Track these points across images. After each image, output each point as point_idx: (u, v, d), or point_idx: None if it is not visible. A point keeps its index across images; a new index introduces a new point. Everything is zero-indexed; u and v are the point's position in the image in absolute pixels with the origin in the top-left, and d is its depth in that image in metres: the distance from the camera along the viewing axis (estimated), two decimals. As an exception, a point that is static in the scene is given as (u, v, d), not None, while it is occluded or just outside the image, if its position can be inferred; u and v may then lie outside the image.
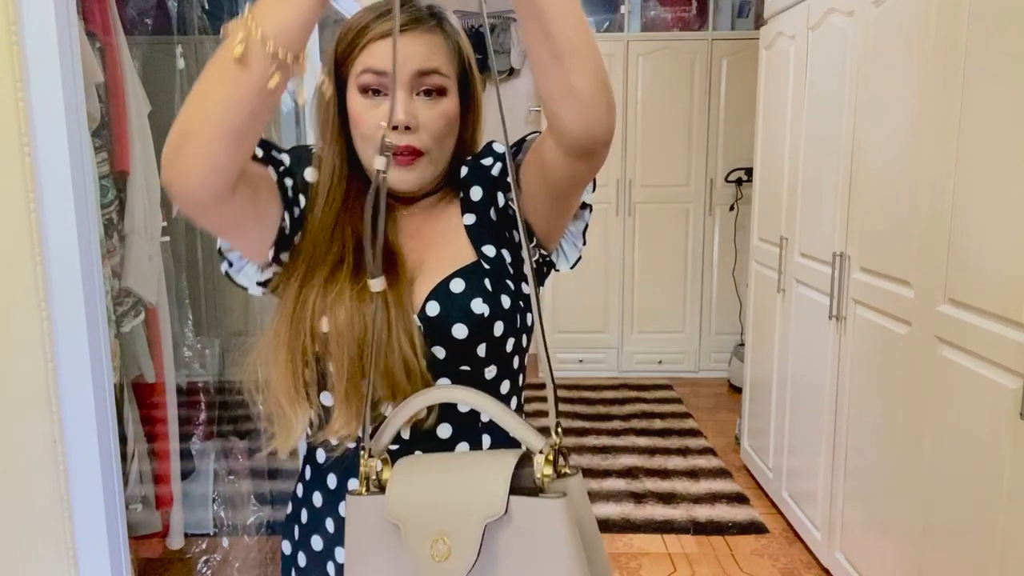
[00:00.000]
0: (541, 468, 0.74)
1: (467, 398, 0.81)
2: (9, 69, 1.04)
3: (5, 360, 1.10)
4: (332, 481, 0.96)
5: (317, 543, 0.98)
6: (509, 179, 0.87)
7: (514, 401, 0.98)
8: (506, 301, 0.91)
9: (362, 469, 0.81)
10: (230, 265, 0.94)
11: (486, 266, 0.91)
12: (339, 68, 0.90)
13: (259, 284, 0.94)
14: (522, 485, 0.74)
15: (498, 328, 0.89)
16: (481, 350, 0.89)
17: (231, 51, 0.69)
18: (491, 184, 0.94)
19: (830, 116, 2.45)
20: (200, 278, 2.13)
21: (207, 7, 2.02)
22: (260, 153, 0.91)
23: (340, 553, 0.95)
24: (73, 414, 1.12)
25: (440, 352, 0.88)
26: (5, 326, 1.09)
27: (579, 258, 0.97)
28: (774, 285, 2.94)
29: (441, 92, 0.89)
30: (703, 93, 4.44)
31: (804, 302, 2.67)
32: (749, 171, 4.07)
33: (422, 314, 0.89)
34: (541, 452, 0.75)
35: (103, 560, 1.16)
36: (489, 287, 0.90)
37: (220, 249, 0.94)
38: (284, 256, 0.92)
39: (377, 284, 0.75)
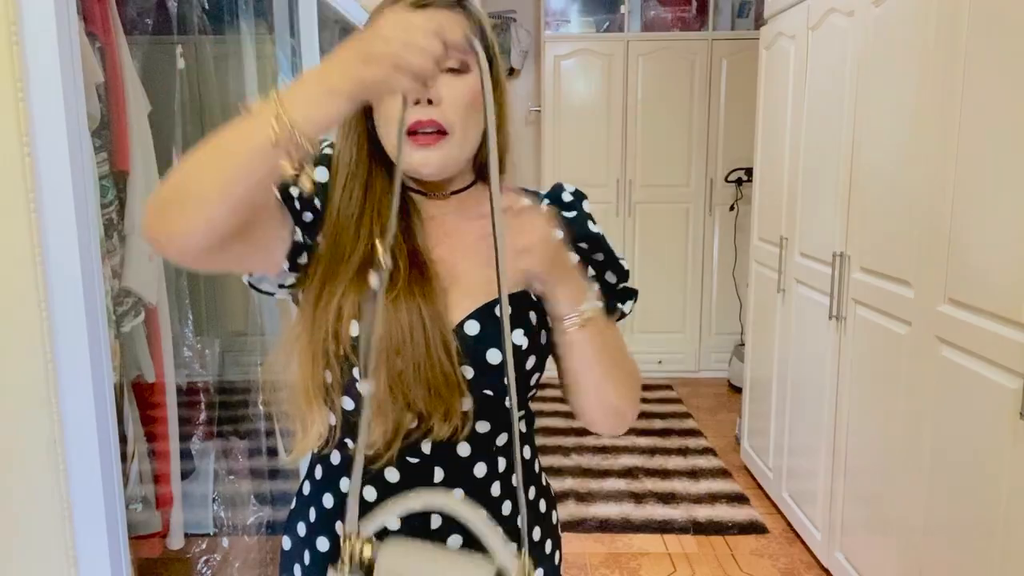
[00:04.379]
0: None
1: (459, 510, 0.85)
2: (9, 69, 1.04)
3: (5, 360, 1.10)
4: (345, 484, 0.94)
5: (323, 544, 0.97)
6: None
7: (525, 425, 0.98)
8: (543, 337, 0.92)
9: (346, 550, 0.81)
10: (250, 274, 0.93)
11: (533, 298, 0.90)
12: None
13: (282, 287, 0.93)
14: None
15: (530, 362, 0.90)
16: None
17: (256, 131, 0.70)
18: (585, 248, 0.95)
19: (830, 116, 2.45)
20: (200, 278, 2.13)
21: (207, 7, 2.02)
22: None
23: None
24: (73, 414, 1.12)
25: (469, 372, 0.87)
26: (5, 326, 1.09)
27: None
28: (774, 285, 2.94)
29: (464, 69, 0.85)
30: (703, 93, 4.44)
31: (804, 302, 2.67)
32: (749, 171, 4.07)
33: (459, 330, 0.88)
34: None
35: (103, 560, 1.16)
36: (533, 320, 0.90)
37: None
38: (303, 258, 0.91)
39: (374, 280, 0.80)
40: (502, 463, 0.93)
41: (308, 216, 0.90)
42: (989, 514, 1.63)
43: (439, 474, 0.91)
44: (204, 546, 2.12)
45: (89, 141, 1.26)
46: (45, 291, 1.09)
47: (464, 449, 0.91)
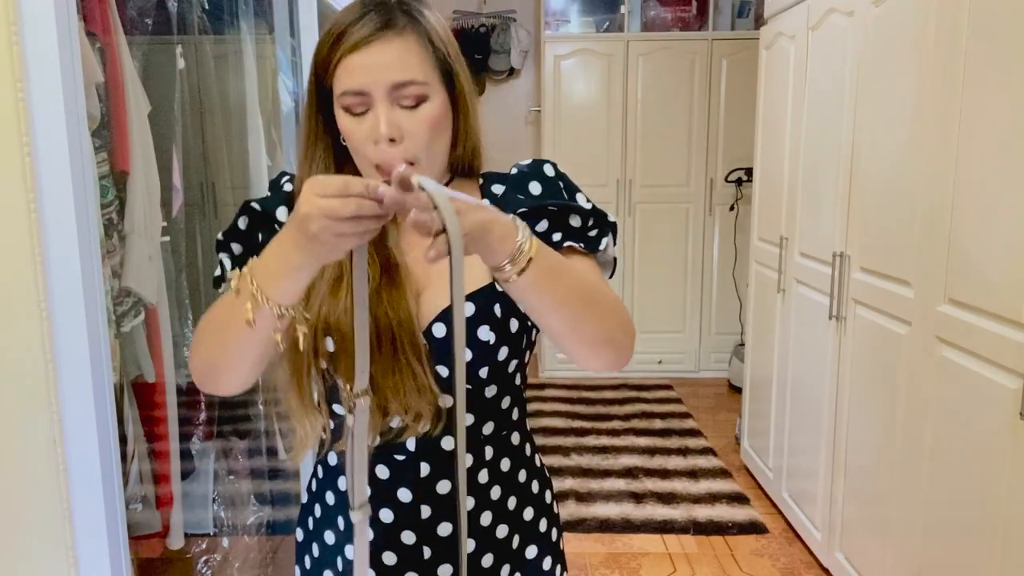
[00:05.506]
0: None
1: None
2: (9, 69, 1.04)
3: (5, 360, 1.10)
4: (343, 483, 0.98)
5: (330, 537, 1.01)
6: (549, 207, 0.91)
7: (516, 413, 0.99)
8: (514, 325, 0.92)
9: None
10: None
11: (499, 289, 0.90)
12: (320, 76, 0.89)
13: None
14: None
15: (502, 353, 0.92)
16: (483, 372, 0.92)
17: (241, 314, 0.77)
18: (532, 210, 0.92)
19: (830, 116, 2.45)
20: (200, 278, 2.13)
21: (207, 7, 2.02)
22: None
23: (348, 550, 0.98)
24: (73, 414, 1.12)
25: (444, 371, 0.90)
26: (5, 326, 1.09)
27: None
28: (774, 285, 2.94)
29: (422, 99, 0.87)
30: (703, 93, 4.44)
31: (804, 302, 2.67)
32: (749, 171, 4.07)
33: (428, 333, 0.90)
34: None
35: (103, 560, 1.16)
36: (499, 313, 0.91)
37: None
38: None
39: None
40: (489, 451, 0.96)
41: None
42: (989, 514, 1.63)
43: (425, 469, 0.94)
44: (204, 546, 2.12)
45: (89, 141, 1.26)
46: (45, 291, 1.09)
47: (448, 443, 0.93)
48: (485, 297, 0.90)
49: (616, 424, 3.89)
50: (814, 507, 2.58)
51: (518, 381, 0.98)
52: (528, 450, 1.03)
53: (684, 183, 4.54)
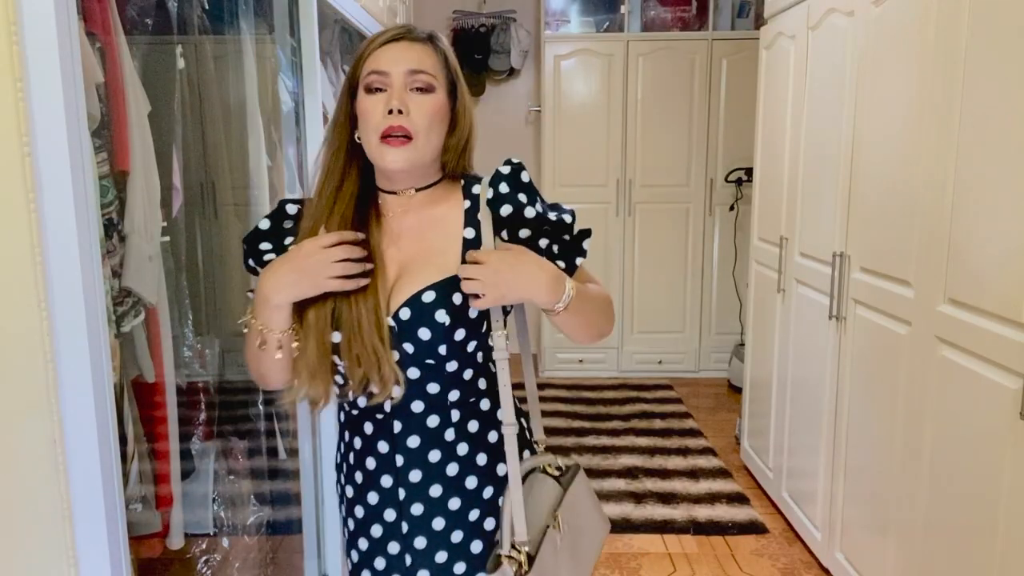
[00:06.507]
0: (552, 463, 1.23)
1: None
2: (9, 69, 1.04)
3: (5, 360, 1.10)
4: (368, 427, 1.17)
5: (373, 497, 1.18)
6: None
7: (482, 383, 1.16)
8: (473, 312, 1.09)
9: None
10: None
11: (460, 278, 1.07)
12: (352, 79, 1.11)
13: None
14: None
15: (459, 334, 1.10)
16: (442, 349, 1.10)
17: (255, 339, 1.10)
18: (534, 230, 1.11)
19: (830, 116, 2.45)
20: (200, 278, 2.13)
21: (207, 7, 2.02)
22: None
23: (371, 496, 1.17)
24: (73, 414, 1.12)
25: (409, 348, 1.10)
26: (5, 326, 1.09)
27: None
28: (774, 285, 2.94)
29: (429, 89, 1.09)
30: (703, 93, 4.44)
31: (804, 302, 2.67)
32: (749, 171, 4.07)
33: (396, 316, 1.09)
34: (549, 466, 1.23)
35: (103, 560, 1.16)
36: (457, 301, 1.08)
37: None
38: None
39: (503, 347, 1.14)
40: (456, 414, 1.14)
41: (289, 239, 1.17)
42: (989, 514, 1.63)
43: (398, 426, 1.13)
44: (204, 546, 2.12)
45: (89, 141, 1.26)
46: (45, 291, 1.09)
47: (418, 406, 1.13)
48: (447, 287, 1.08)
49: (616, 424, 3.89)
50: (814, 507, 2.58)
51: (480, 358, 1.15)
52: (498, 415, 1.17)
53: (684, 183, 4.54)
